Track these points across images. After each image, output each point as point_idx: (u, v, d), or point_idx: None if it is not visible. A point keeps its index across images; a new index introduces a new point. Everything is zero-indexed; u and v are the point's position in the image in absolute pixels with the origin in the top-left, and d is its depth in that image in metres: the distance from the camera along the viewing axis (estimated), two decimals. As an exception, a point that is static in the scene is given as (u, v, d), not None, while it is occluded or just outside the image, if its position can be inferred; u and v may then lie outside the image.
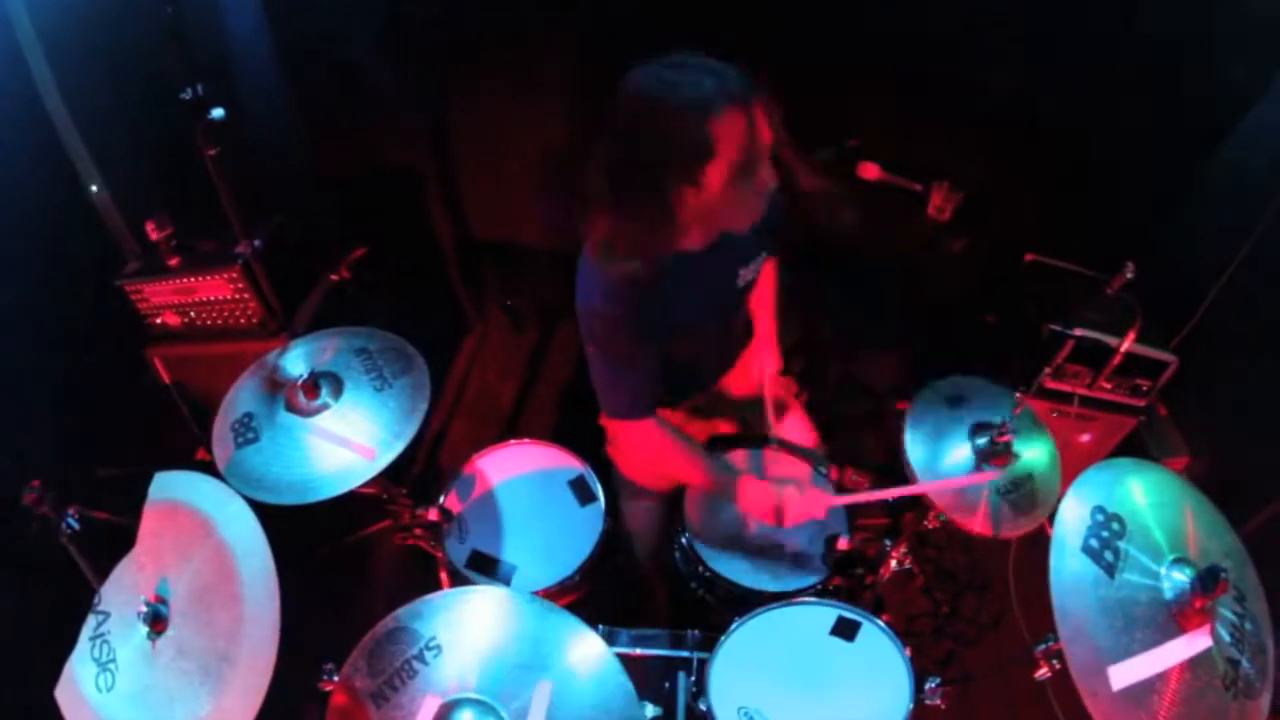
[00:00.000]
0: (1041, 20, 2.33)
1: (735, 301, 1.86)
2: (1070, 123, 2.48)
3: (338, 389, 1.65)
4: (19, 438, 2.14)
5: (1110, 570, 1.27)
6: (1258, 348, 2.41)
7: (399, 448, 1.56)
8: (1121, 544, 1.29)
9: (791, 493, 1.65)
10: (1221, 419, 2.63)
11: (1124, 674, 1.20)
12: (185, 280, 2.36)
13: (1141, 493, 1.36)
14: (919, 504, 1.85)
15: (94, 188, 2.40)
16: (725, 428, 2.10)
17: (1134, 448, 2.68)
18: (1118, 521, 1.31)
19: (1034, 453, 1.74)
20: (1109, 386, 2.51)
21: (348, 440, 1.58)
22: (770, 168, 1.47)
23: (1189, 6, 2.22)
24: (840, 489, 1.92)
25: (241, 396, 1.71)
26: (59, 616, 1.43)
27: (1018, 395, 1.70)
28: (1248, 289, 2.37)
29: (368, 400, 1.64)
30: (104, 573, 1.42)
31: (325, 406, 1.63)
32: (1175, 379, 2.47)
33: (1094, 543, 1.29)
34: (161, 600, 1.33)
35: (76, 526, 1.52)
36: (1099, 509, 1.32)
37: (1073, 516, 1.30)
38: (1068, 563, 1.27)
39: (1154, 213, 2.65)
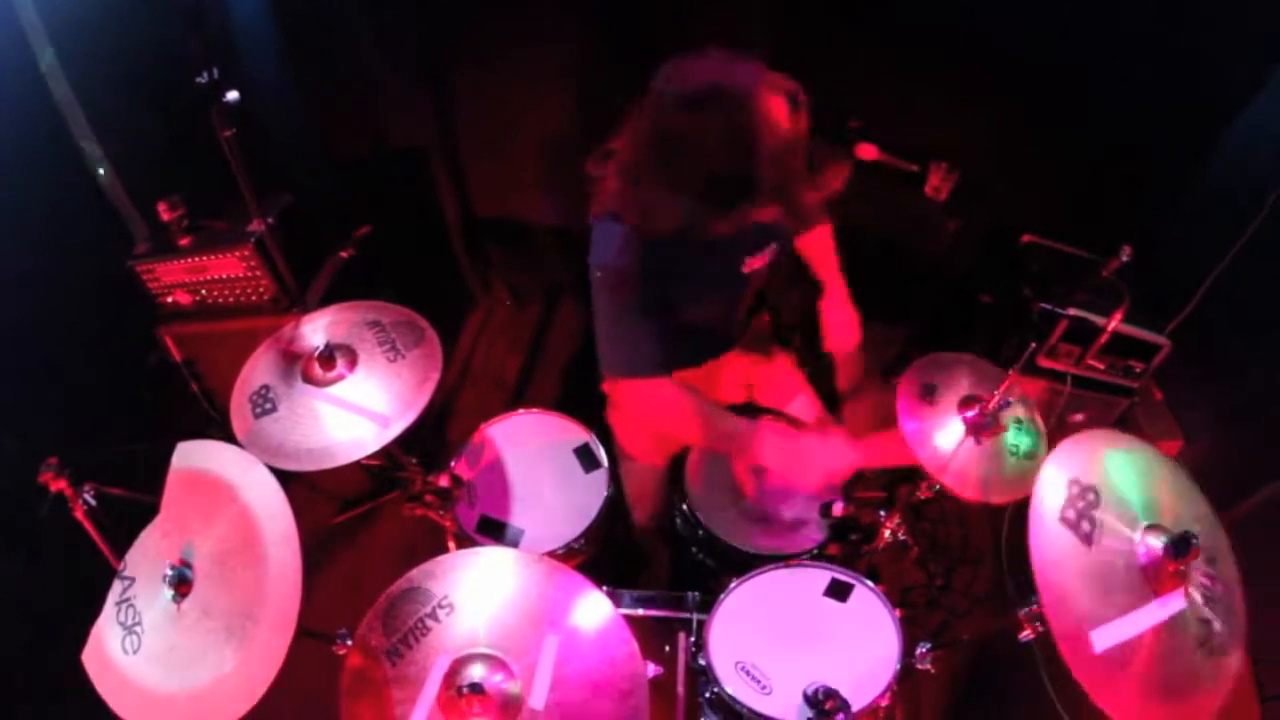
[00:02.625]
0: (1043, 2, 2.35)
1: (738, 285, 1.89)
2: (1071, 105, 2.50)
3: (352, 360, 1.70)
4: (30, 418, 2.18)
5: (1087, 539, 1.31)
6: (1254, 334, 2.45)
7: (412, 416, 1.60)
8: (1097, 514, 1.33)
9: (813, 441, 1.64)
10: (1216, 404, 2.66)
11: (1105, 637, 1.25)
12: (197, 259, 2.40)
13: (1116, 463, 1.40)
14: (913, 476, 1.91)
15: (101, 171, 2.43)
16: (726, 397, 2.15)
17: (1127, 430, 2.73)
18: (1093, 492, 1.35)
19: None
20: (1101, 367, 2.54)
21: (363, 409, 1.63)
22: (801, 163, 1.52)
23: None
24: None
25: (258, 370, 1.75)
26: (77, 592, 1.47)
27: (1011, 372, 1.74)
28: (1245, 276, 2.39)
29: (381, 371, 1.69)
30: (121, 547, 1.45)
31: (340, 377, 1.67)
32: (1171, 364, 2.51)
33: (1071, 514, 1.33)
34: (186, 563, 1.36)
35: (94, 503, 1.53)
36: (1075, 481, 1.35)
37: (1050, 489, 1.34)
38: (1046, 534, 1.30)
39: (1154, 198, 2.67)
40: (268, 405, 1.66)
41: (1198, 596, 1.32)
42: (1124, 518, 1.35)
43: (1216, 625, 1.31)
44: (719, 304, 1.90)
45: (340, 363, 1.67)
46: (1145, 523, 1.34)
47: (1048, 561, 1.29)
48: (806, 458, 1.64)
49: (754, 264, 1.83)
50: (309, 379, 1.67)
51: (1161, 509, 1.37)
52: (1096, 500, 1.35)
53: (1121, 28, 2.32)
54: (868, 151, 2.02)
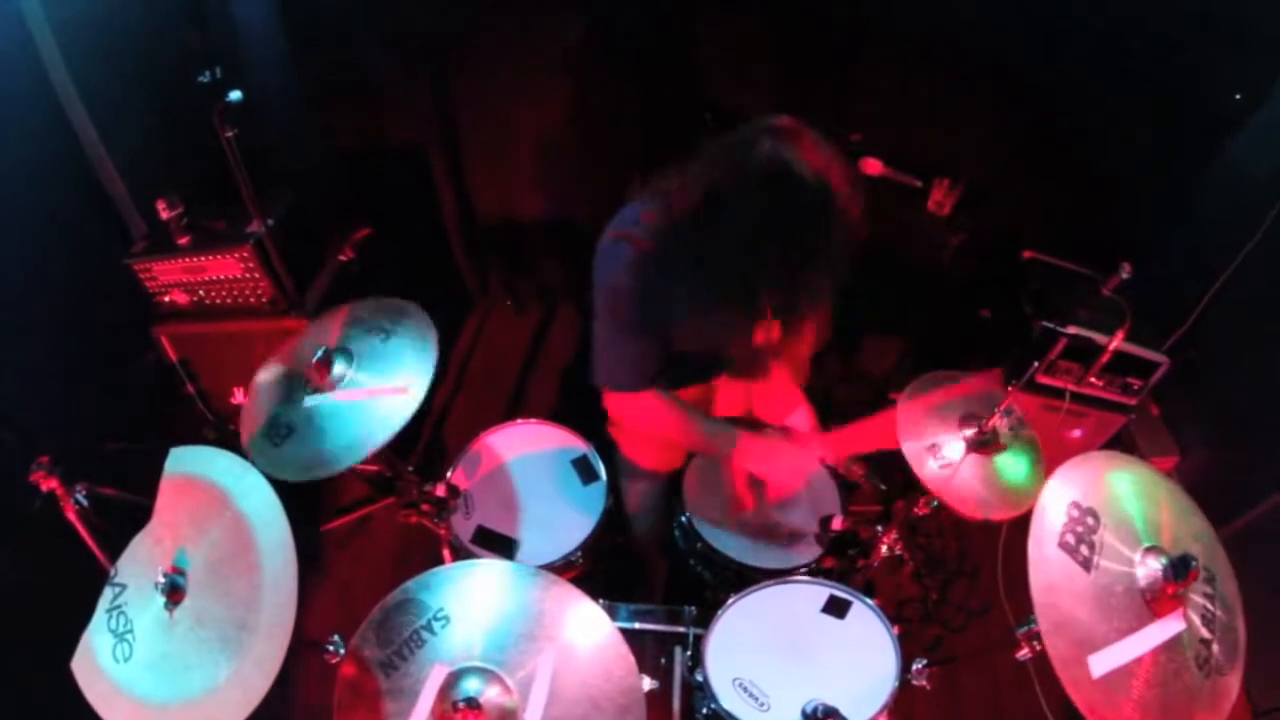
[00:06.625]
0: (1046, 17, 2.35)
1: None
2: (1073, 123, 2.51)
3: (350, 357, 1.68)
4: (24, 416, 2.15)
5: (1086, 564, 1.31)
6: (1251, 349, 2.46)
7: (429, 375, 1.60)
8: (1096, 537, 1.33)
9: (783, 445, 1.77)
10: (1211, 420, 2.67)
11: (1103, 662, 1.25)
12: (195, 259, 2.39)
13: (1116, 484, 1.40)
14: (910, 491, 1.90)
15: (101, 168, 2.42)
16: (723, 412, 2.14)
17: (1124, 446, 2.74)
18: (1093, 515, 1.35)
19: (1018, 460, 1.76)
20: (1100, 384, 2.54)
21: (378, 389, 1.61)
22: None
23: (1193, 9, 2.24)
24: (836, 476, 1.97)
25: (260, 404, 1.71)
26: (70, 593, 1.44)
27: (1009, 388, 1.74)
28: (1243, 293, 2.40)
29: (380, 353, 1.68)
30: (113, 548, 1.43)
31: (344, 375, 1.66)
32: (1167, 379, 2.51)
33: (1070, 538, 1.32)
34: (179, 571, 1.35)
35: (85, 503, 1.52)
36: (1075, 504, 1.35)
37: (1050, 513, 1.34)
38: (1045, 559, 1.30)
39: (1154, 215, 2.68)
40: (284, 431, 1.63)
41: (1196, 617, 1.31)
42: (1124, 541, 1.35)
43: (1215, 645, 1.31)
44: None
45: (339, 363, 1.66)
46: (1145, 545, 1.34)
47: (1046, 588, 1.28)
48: (780, 454, 1.79)
49: None
50: (316, 389, 1.65)
51: (1160, 530, 1.37)
52: (1096, 524, 1.34)
53: (1123, 45, 2.33)
54: (872, 166, 2.02)
